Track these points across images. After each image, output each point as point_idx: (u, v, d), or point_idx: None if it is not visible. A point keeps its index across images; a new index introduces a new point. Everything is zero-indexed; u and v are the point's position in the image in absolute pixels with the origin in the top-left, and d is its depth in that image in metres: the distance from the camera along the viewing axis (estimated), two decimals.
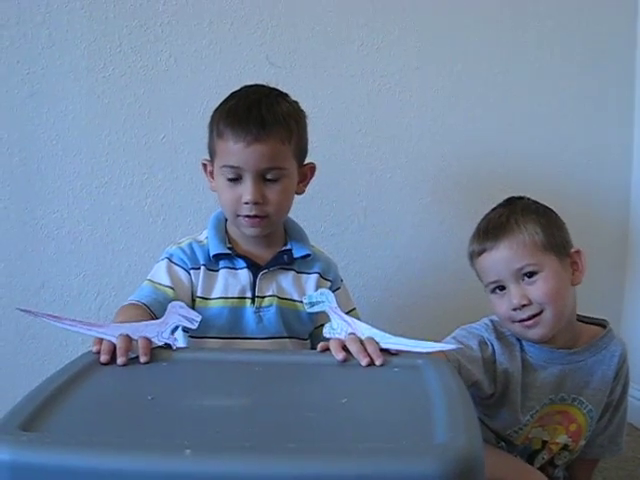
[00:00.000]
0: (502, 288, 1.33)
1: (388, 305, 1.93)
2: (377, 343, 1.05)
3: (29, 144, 1.72)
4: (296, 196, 1.42)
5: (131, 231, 1.79)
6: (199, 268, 1.36)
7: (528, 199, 1.41)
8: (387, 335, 1.06)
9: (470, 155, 1.99)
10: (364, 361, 1.02)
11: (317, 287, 1.40)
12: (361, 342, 1.06)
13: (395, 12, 1.89)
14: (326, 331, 1.15)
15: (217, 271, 1.37)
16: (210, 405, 0.88)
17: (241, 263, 1.37)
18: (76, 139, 1.74)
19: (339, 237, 1.90)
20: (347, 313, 1.39)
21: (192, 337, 1.36)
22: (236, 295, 1.36)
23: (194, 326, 1.12)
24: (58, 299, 1.77)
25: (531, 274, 1.30)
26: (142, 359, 1.02)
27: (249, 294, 1.36)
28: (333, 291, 1.40)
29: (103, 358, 1.01)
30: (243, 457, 0.72)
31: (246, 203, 1.31)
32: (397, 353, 1.05)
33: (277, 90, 1.39)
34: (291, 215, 1.45)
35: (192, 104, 1.78)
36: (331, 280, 1.45)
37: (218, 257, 1.36)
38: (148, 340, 1.05)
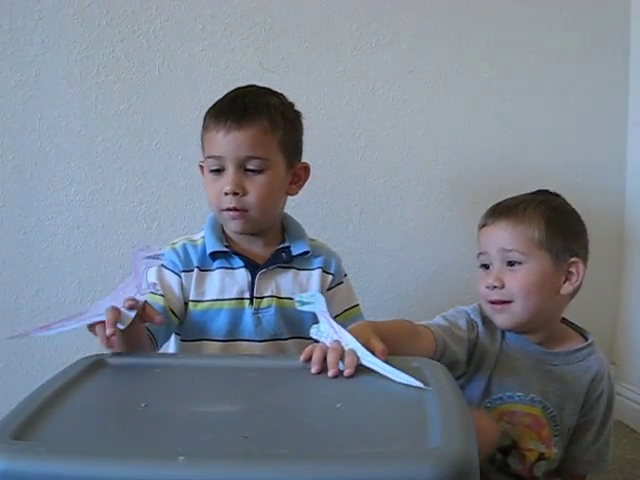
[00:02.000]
0: (487, 267, 1.34)
1: (383, 309, 1.92)
2: (358, 358, 1.03)
3: (22, 150, 1.72)
4: (290, 198, 1.41)
5: (125, 237, 1.78)
6: (192, 270, 1.34)
7: (560, 198, 1.39)
8: (368, 353, 1.05)
9: (464, 159, 1.99)
10: (331, 372, 0.99)
11: (320, 282, 1.39)
12: (342, 354, 1.02)
13: (388, 16, 1.89)
14: (313, 332, 1.14)
15: (212, 271, 1.35)
16: (204, 411, 0.87)
17: (238, 262, 1.35)
18: (70, 145, 1.74)
19: (334, 241, 1.88)
20: (350, 309, 1.43)
21: (185, 341, 1.34)
22: (234, 296, 1.33)
23: (161, 260, 1.12)
24: (53, 306, 1.76)
25: (515, 262, 1.29)
26: (129, 310, 1.05)
27: (247, 295, 1.33)
28: (335, 285, 1.42)
29: (109, 332, 1.02)
30: (237, 463, 0.71)
31: (226, 194, 1.29)
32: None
33: (271, 90, 1.38)
34: None
35: (185, 110, 1.78)
36: (333, 274, 1.43)
37: (214, 256, 1.34)
38: (133, 299, 1.06)
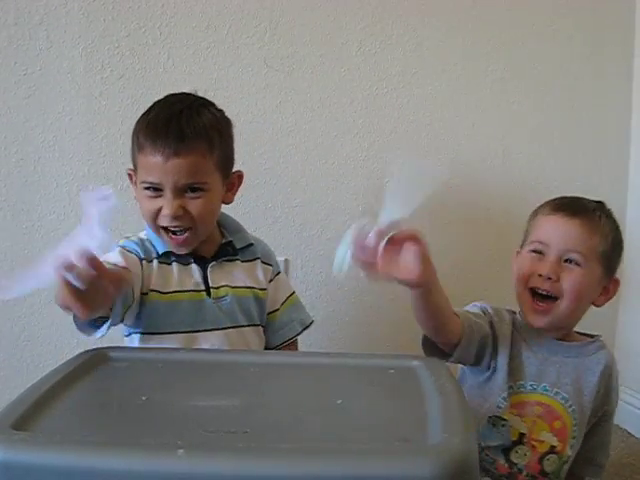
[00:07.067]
0: (541, 253, 1.33)
1: (384, 309, 1.92)
2: None
3: (26, 145, 1.72)
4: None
5: (128, 233, 1.78)
6: (152, 261, 1.33)
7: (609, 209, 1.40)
8: None
9: (467, 160, 1.99)
10: None
11: (264, 272, 1.42)
12: None
13: (393, 16, 1.89)
14: None
15: (170, 264, 1.34)
16: (204, 405, 0.88)
17: (188, 258, 1.35)
18: (73, 141, 1.74)
19: (336, 242, 1.88)
20: (291, 295, 1.50)
21: (146, 334, 1.31)
22: (191, 288, 1.34)
23: (111, 202, 0.92)
24: (53, 301, 1.75)
25: (573, 262, 1.30)
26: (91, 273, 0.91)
27: (203, 287, 1.34)
28: (276, 275, 1.46)
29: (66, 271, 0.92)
30: (236, 457, 0.71)
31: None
32: None
33: (202, 99, 1.36)
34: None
35: None
36: (272, 265, 1.46)
37: (167, 253, 1.34)
38: (92, 256, 0.91)
